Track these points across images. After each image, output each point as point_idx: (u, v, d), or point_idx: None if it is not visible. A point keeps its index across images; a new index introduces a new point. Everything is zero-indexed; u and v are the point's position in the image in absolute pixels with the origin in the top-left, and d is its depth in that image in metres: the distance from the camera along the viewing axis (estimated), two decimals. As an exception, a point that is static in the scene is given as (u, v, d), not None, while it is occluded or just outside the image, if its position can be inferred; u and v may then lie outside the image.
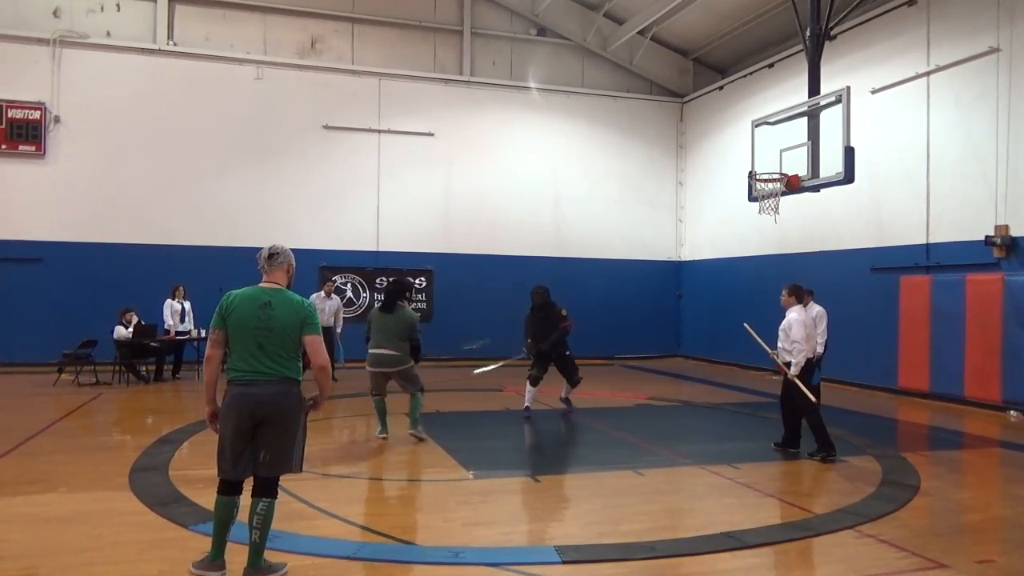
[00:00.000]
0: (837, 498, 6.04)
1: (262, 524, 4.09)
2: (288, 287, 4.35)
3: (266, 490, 4.15)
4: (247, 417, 4.08)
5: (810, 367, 7.43)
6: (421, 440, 8.05)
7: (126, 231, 14.99)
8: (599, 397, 10.15)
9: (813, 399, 7.28)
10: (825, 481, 6.80)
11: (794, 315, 7.40)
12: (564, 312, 10.06)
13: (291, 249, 4.47)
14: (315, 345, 4.22)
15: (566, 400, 10.26)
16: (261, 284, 4.29)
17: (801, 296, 7.62)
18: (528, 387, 9.99)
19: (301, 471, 4.37)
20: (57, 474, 6.48)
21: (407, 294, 8.49)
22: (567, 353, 10.12)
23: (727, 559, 4.70)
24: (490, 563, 4.47)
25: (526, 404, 9.93)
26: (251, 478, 4.17)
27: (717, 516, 5.69)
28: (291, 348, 4.19)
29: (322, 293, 13.16)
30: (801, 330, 7.29)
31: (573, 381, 10.18)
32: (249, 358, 4.12)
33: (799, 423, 7.65)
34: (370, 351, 8.05)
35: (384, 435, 8.08)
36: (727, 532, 5.15)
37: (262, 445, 4.12)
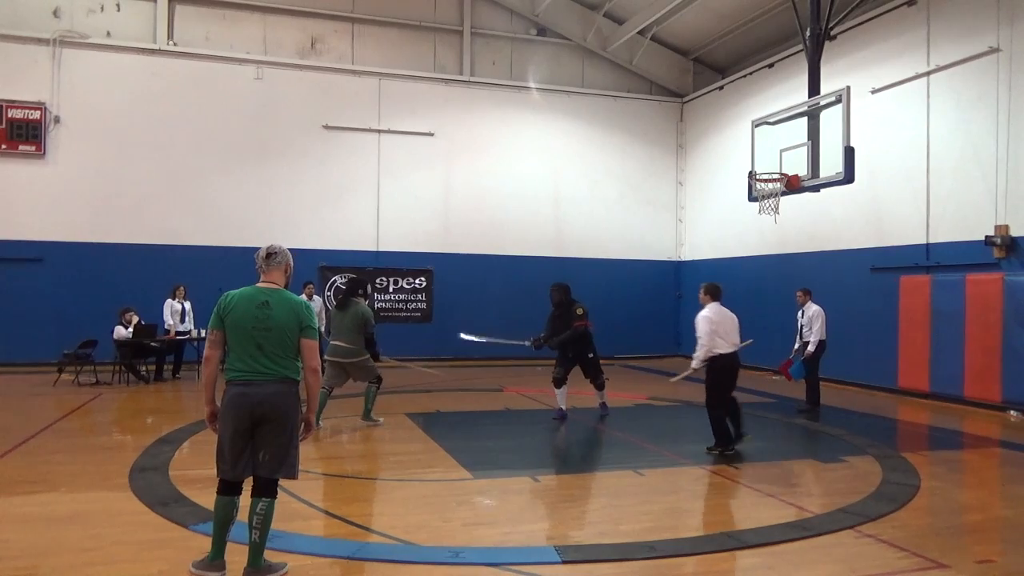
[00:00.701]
0: (837, 498, 6.03)
1: (262, 524, 4.09)
2: (286, 287, 4.36)
3: (266, 490, 4.15)
4: (246, 417, 4.08)
5: (729, 364, 7.60)
6: (377, 424, 8.88)
7: (126, 231, 14.98)
8: (599, 397, 10.18)
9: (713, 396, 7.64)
10: (825, 481, 6.81)
11: (702, 312, 7.67)
12: (580, 311, 9.53)
13: (291, 249, 4.48)
14: (310, 349, 4.24)
15: (602, 406, 9.96)
16: (259, 284, 4.29)
17: (716, 295, 7.79)
18: (555, 390, 9.71)
19: (297, 477, 4.38)
20: (57, 474, 6.48)
21: (360, 291, 8.96)
22: (591, 355, 9.72)
23: (727, 559, 4.70)
24: (490, 563, 4.47)
25: (559, 406, 9.66)
26: (251, 478, 4.17)
27: (717, 516, 5.69)
28: (289, 348, 4.19)
29: (303, 296, 13.02)
30: (706, 326, 7.52)
31: (598, 384, 9.85)
32: (247, 358, 4.12)
33: (725, 421, 7.69)
34: (330, 343, 8.90)
35: (319, 426, 8.50)
36: (727, 532, 5.16)
37: (262, 445, 4.12)
